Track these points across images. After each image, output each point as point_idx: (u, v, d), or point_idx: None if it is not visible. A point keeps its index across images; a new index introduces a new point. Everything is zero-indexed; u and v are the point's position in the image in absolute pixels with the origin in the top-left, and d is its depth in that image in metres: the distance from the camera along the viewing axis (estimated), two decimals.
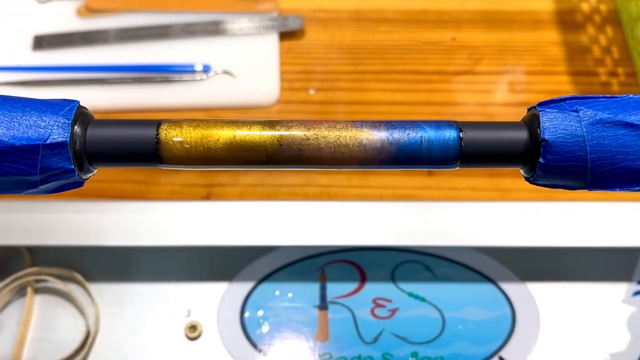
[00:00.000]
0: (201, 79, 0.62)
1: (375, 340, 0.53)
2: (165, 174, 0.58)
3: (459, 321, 0.54)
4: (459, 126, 0.27)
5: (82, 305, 0.53)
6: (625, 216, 0.53)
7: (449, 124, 0.27)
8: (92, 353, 0.52)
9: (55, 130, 0.25)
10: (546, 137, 0.26)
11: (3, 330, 0.53)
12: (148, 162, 0.27)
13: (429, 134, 0.27)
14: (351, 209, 0.54)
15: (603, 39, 0.67)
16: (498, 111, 0.63)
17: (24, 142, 0.25)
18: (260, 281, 0.55)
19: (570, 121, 0.26)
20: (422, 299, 0.55)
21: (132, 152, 0.26)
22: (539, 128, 0.26)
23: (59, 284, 0.53)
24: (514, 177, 0.59)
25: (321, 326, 0.53)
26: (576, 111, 0.26)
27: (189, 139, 0.26)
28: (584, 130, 0.25)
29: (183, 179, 0.58)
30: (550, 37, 0.67)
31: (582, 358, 0.53)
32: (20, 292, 0.54)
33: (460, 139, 0.26)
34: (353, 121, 0.27)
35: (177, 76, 0.62)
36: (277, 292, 0.55)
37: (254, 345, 0.52)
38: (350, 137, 0.26)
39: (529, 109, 0.27)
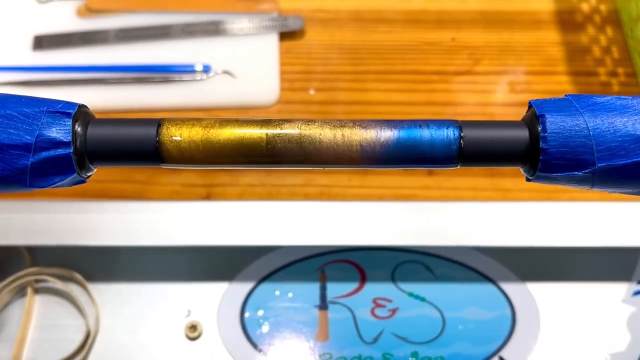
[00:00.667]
0: (201, 79, 0.62)
1: (376, 340, 0.53)
2: (166, 174, 0.58)
3: (459, 321, 0.54)
4: (459, 125, 0.27)
5: (82, 305, 0.53)
6: (625, 216, 0.53)
7: (449, 123, 0.27)
8: (92, 353, 0.52)
9: (57, 129, 0.25)
10: (547, 135, 0.25)
11: (3, 330, 0.52)
12: (148, 161, 0.27)
13: (429, 133, 0.27)
14: (351, 209, 0.54)
15: (603, 39, 0.67)
16: (498, 111, 0.63)
17: (25, 141, 0.25)
18: (261, 281, 0.55)
19: (571, 120, 0.26)
20: (422, 299, 0.55)
21: (133, 151, 0.26)
22: (540, 127, 0.26)
23: (59, 284, 0.53)
24: (514, 177, 0.59)
25: (321, 326, 0.53)
26: (577, 109, 0.26)
27: (189, 138, 0.26)
28: (587, 128, 0.25)
29: (183, 179, 0.58)
30: (550, 37, 0.67)
31: (582, 358, 0.53)
32: (20, 292, 0.54)
33: (461, 138, 0.26)
34: (353, 120, 0.27)
35: (177, 76, 0.62)
36: (277, 292, 0.54)
37: (254, 345, 0.52)
38: (350, 136, 0.26)
39: (529, 108, 0.27)
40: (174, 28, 0.65)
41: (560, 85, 0.64)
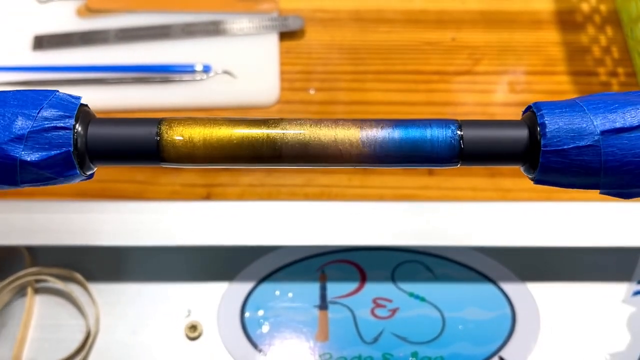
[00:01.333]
0: (201, 79, 0.62)
1: (376, 340, 0.53)
2: (166, 174, 0.58)
3: (459, 321, 0.54)
4: (460, 124, 0.27)
5: (82, 305, 0.53)
6: (625, 216, 0.53)
7: (450, 122, 0.27)
8: (92, 353, 0.52)
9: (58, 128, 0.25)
10: (546, 135, 0.26)
11: (3, 330, 0.53)
12: (149, 160, 0.27)
13: (429, 132, 0.27)
14: (351, 209, 0.54)
15: (603, 39, 0.67)
16: (498, 111, 0.63)
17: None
18: (261, 281, 0.55)
19: (571, 119, 0.26)
20: (423, 299, 0.55)
21: (133, 150, 0.26)
22: (539, 126, 0.26)
23: (59, 284, 0.53)
24: (514, 177, 0.59)
25: (321, 326, 0.53)
26: (577, 109, 0.26)
27: (189, 137, 0.26)
28: (587, 127, 0.25)
29: (183, 179, 0.58)
30: (550, 37, 0.67)
31: (582, 358, 0.53)
32: (20, 292, 0.54)
33: (461, 137, 0.27)
34: (354, 119, 0.27)
35: (177, 76, 0.62)
36: (277, 292, 0.54)
37: (254, 345, 0.52)
38: (350, 135, 0.26)
39: (528, 108, 0.27)
40: (174, 28, 0.65)
41: (560, 85, 0.64)
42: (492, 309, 0.54)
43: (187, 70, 0.63)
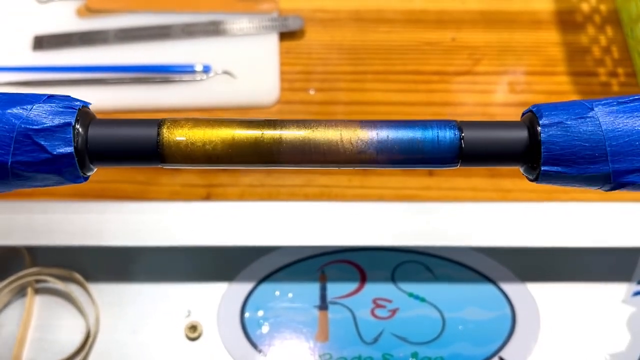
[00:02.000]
0: (201, 79, 0.62)
1: (376, 340, 0.53)
2: (166, 174, 0.58)
3: (459, 321, 0.54)
4: (459, 125, 0.27)
5: (82, 305, 0.53)
6: (625, 216, 0.53)
7: (449, 123, 0.27)
8: (92, 353, 0.52)
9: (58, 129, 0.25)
10: (545, 135, 0.26)
11: (3, 330, 0.53)
12: (149, 161, 0.27)
13: (429, 133, 0.27)
14: (351, 209, 0.54)
15: (603, 39, 0.67)
16: (498, 111, 0.63)
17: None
18: (260, 281, 0.55)
19: (570, 120, 0.26)
20: (422, 299, 0.55)
21: (133, 151, 0.26)
22: (539, 127, 0.26)
23: (59, 284, 0.53)
24: (514, 177, 0.59)
25: (321, 326, 0.53)
26: (577, 110, 0.26)
27: (190, 138, 0.26)
28: (587, 128, 0.25)
29: (183, 179, 0.58)
30: (550, 37, 0.67)
31: (582, 358, 0.53)
32: (20, 292, 0.54)
33: (461, 138, 0.27)
34: (354, 120, 0.27)
35: (177, 76, 0.62)
36: (277, 292, 0.55)
37: (254, 345, 0.52)
38: (350, 136, 0.26)
39: (528, 110, 0.27)
40: (174, 28, 0.65)
41: (560, 85, 0.64)
42: (492, 309, 0.54)
43: (187, 70, 0.63)
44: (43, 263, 0.54)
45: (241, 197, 0.57)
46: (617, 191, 0.27)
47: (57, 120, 0.25)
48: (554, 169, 0.26)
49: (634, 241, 0.52)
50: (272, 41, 0.65)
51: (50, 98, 0.26)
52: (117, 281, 0.55)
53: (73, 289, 0.53)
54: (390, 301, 0.54)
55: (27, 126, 0.25)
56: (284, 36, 0.66)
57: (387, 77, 0.64)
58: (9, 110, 0.25)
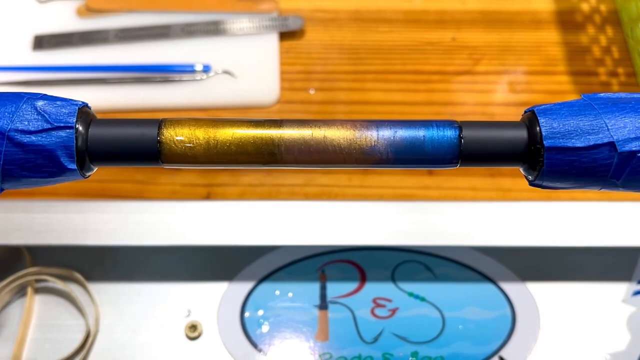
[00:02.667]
0: (201, 79, 0.62)
1: (376, 340, 0.53)
2: (166, 173, 0.58)
3: (459, 321, 0.54)
4: (459, 125, 0.27)
5: (82, 305, 0.53)
6: (625, 216, 0.53)
7: (449, 123, 0.27)
8: (92, 353, 0.52)
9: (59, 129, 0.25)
10: (545, 136, 0.26)
11: (3, 330, 0.53)
12: (149, 161, 0.27)
13: (429, 133, 0.27)
14: (351, 209, 0.54)
15: (603, 39, 0.67)
16: (498, 111, 0.63)
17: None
18: (261, 281, 0.55)
19: (570, 120, 0.26)
20: (422, 299, 0.55)
21: (134, 151, 0.26)
22: (539, 127, 0.26)
23: (59, 284, 0.53)
24: (514, 177, 0.59)
25: (321, 326, 0.53)
26: (577, 109, 0.26)
27: (190, 138, 0.26)
28: (587, 128, 0.25)
29: (183, 178, 0.58)
30: (550, 37, 0.67)
31: (582, 358, 0.53)
32: (20, 292, 0.54)
33: (460, 138, 0.27)
34: (354, 120, 0.27)
35: (177, 76, 0.62)
36: (277, 292, 0.55)
37: (254, 345, 0.52)
38: (350, 136, 0.26)
39: (527, 110, 0.27)
40: (174, 28, 0.65)
41: (560, 85, 0.64)
42: (492, 309, 0.54)
43: (187, 70, 0.63)
44: (43, 263, 0.54)
45: (241, 196, 0.57)
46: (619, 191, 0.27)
47: (58, 121, 0.25)
48: (555, 168, 0.26)
49: (634, 241, 0.52)
50: (272, 41, 0.65)
51: (51, 98, 0.26)
52: (117, 281, 0.55)
53: (73, 289, 0.53)
54: (390, 301, 0.54)
55: (31, 127, 0.25)
56: (284, 36, 0.66)
57: (387, 77, 0.64)
58: (12, 109, 0.25)
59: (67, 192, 0.57)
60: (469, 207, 0.54)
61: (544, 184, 0.27)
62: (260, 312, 0.54)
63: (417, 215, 0.53)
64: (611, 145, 0.25)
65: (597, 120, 0.25)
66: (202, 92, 0.62)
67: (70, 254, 0.55)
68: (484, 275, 0.55)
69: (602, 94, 0.27)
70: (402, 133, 0.27)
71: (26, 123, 0.25)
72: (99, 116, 0.28)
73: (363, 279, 0.55)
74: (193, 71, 0.62)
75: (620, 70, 0.65)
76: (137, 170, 0.58)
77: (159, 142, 0.26)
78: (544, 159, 0.26)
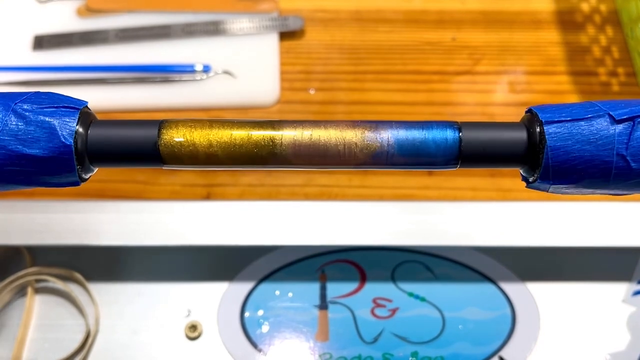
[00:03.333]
0: (201, 79, 0.62)
1: (376, 340, 0.53)
2: (166, 174, 0.58)
3: (459, 321, 0.54)
4: (459, 126, 0.27)
5: (82, 305, 0.53)
6: (625, 216, 0.53)
7: (449, 124, 0.27)
8: (92, 353, 0.52)
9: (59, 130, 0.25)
10: (545, 137, 0.26)
11: (3, 330, 0.53)
12: (149, 162, 0.27)
13: (428, 134, 0.27)
14: (351, 209, 0.54)
15: (603, 39, 0.67)
16: (498, 111, 0.63)
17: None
18: (261, 281, 0.55)
19: (570, 123, 0.26)
20: (422, 299, 0.55)
21: (134, 152, 0.26)
22: (539, 127, 0.26)
23: (59, 284, 0.53)
24: (514, 177, 0.59)
25: (321, 326, 0.53)
26: (577, 111, 0.26)
27: (190, 139, 0.26)
28: (587, 130, 0.25)
29: (183, 179, 0.58)
30: (550, 37, 0.67)
31: (582, 358, 0.53)
32: (20, 292, 0.54)
33: (460, 139, 0.26)
34: (353, 121, 0.27)
35: (177, 76, 0.62)
36: (277, 292, 0.55)
37: (254, 345, 0.53)
38: (350, 137, 0.26)
39: (527, 110, 0.27)
40: (174, 28, 0.65)
41: (560, 85, 0.64)
42: (492, 309, 0.54)
43: (187, 70, 0.63)
44: (43, 263, 0.54)
45: (241, 196, 0.57)
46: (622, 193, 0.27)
47: (58, 122, 0.25)
48: (556, 168, 0.26)
49: (634, 241, 0.52)
50: (272, 41, 0.65)
51: (51, 98, 0.26)
52: (117, 281, 0.55)
53: (73, 289, 0.53)
54: (390, 301, 0.55)
55: (31, 127, 0.25)
56: (284, 36, 0.66)
57: (387, 77, 0.64)
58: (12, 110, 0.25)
59: (67, 192, 0.57)
60: (469, 207, 0.54)
61: (544, 185, 0.27)
62: (260, 312, 0.54)
63: (417, 215, 0.53)
64: (609, 116, 0.25)
65: (597, 111, 0.25)
66: (202, 92, 0.62)
67: (70, 254, 0.55)
68: (484, 275, 0.55)
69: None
70: (401, 134, 0.26)
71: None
72: (99, 116, 0.28)
73: (363, 279, 0.55)
74: (193, 71, 0.62)
75: (620, 70, 0.65)
76: (137, 171, 0.58)
77: (159, 143, 0.26)
78: (544, 159, 0.26)
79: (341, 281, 0.55)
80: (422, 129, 0.27)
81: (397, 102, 0.63)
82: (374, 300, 0.55)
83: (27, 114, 0.25)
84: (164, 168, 0.27)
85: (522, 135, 0.27)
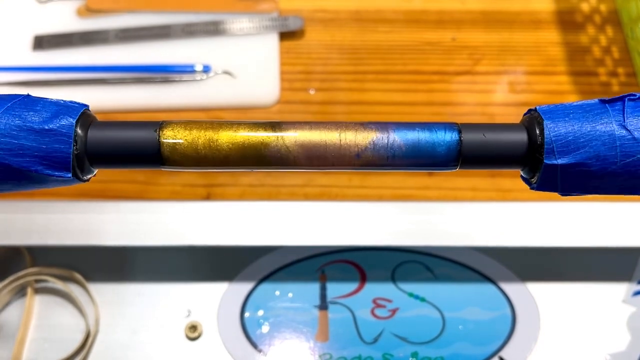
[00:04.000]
0: (201, 79, 0.62)
1: (376, 340, 0.53)
2: (166, 174, 0.58)
3: (459, 321, 0.54)
4: (459, 128, 0.27)
5: (82, 305, 0.53)
6: (625, 216, 0.53)
7: (449, 125, 0.27)
8: (92, 353, 0.52)
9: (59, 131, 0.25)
10: (545, 138, 0.26)
11: (3, 330, 0.53)
12: (149, 163, 0.27)
13: (428, 135, 0.27)
14: (351, 209, 0.54)
15: (603, 39, 0.67)
16: (498, 111, 0.63)
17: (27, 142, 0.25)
18: (261, 281, 0.55)
19: (571, 123, 0.26)
20: (422, 299, 0.55)
21: (134, 154, 0.26)
22: (539, 129, 0.26)
23: (59, 284, 0.53)
24: (514, 177, 0.59)
25: (321, 326, 0.53)
26: (577, 113, 0.26)
27: (190, 141, 0.26)
28: (587, 131, 0.25)
29: (183, 179, 0.58)
30: (550, 37, 0.67)
31: (582, 358, 0.53)
32: (20, 292, 0.54)
33: (460, 140, 0.26)
34: (353, 122, 0.27)
35: (177, 76, 0.62)
36: (277, 292, 0.55)
37: (254, 345, 0.53)
38: (350, 138, 0.26)
39: (527, 112, 0.27)
40: (174, 28, 0.65)
41: (560, 85, 0.64)
42: (492, 309, 0.54)
43: (187, 70, 0.63)
44: (43, 263, 0.54)
45: (241, 197, 0.57)
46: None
47: (58, 123, 0.25)
48: (556, 169, 0.26)
49: (634, 241, 0.52)
50: (272, 41, 0.65)
51: (51, 100, 0.26)
52: (117, 281, 0.55)
53: (73, 289, 0.53)
54: (390, 301, 0.55)
55: (31, 129, 0.25)
56: (284, 36, 0.66)
57: (387, 77, 0.64)
58: (13, 112, 0.25)
59: (67, 193, 0.57)
60: (469, 207, 0.54)
61: (544, 186, 0.27)
62: (260, 313, 0.54)
63: (417, 215, 0.53)
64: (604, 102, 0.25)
65: (598, 107, 0.25)
66: (202, 93, 0.62)
67: (70, 254, 0.55)
68: (484, 275, 0.55)
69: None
70: (401, 136, 0.26)
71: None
72: (99, 116, 0.28)
73: (363, 279, 0.55)
74: (193, 71, 0.62)
75: (620, 70, 0.65)
76: (138, 171, 0.58)
77: (159, 144, 0.26)
78: (544, 160, 0.26)
79: (341, 281, 0.55)
80: (422, 131, 0.27)
81: (397, 102, 0.63)
82: (374, 301, 0.55)
83: (27, 115, 0.25)
84: (163, 169, 0.27)
85: (522, 136, 0.27)
